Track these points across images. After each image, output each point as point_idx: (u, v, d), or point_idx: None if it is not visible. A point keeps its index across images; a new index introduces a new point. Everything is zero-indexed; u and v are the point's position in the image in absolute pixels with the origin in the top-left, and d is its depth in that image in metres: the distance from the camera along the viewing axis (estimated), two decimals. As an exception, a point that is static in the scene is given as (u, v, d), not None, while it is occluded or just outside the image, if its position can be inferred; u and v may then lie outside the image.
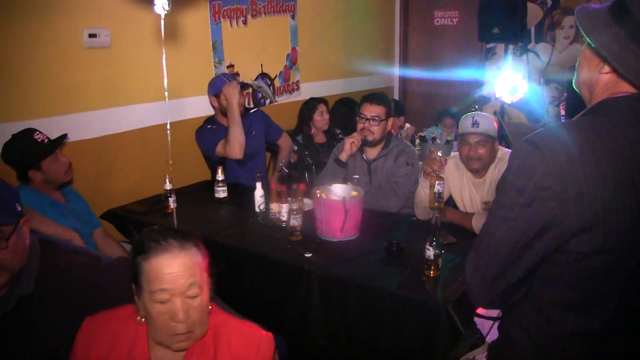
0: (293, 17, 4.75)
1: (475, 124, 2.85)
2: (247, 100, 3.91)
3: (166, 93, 2.48)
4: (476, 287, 1.37)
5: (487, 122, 2.87)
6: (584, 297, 1.33)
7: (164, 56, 2.57)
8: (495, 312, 3.55)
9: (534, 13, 5.58)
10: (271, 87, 4.42)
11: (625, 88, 1.32)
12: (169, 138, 3.10)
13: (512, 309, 1.47)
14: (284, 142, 4.16)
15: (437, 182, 2.79)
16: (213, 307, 1.53)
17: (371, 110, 3.28)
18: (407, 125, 5.05)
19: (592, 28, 1.27)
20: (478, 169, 2.92)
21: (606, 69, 1.33)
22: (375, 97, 3.34)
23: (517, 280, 1.34)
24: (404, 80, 6.70)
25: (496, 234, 1.31)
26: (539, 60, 5.74)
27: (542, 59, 5.73)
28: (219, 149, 3.60)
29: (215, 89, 3.67)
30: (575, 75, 1.48)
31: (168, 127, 3.09)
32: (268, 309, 2.64)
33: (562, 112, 4.76)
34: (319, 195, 2.75)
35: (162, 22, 2.04)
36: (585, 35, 1.29)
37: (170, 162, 3.10)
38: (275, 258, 2.60)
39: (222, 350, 1.45)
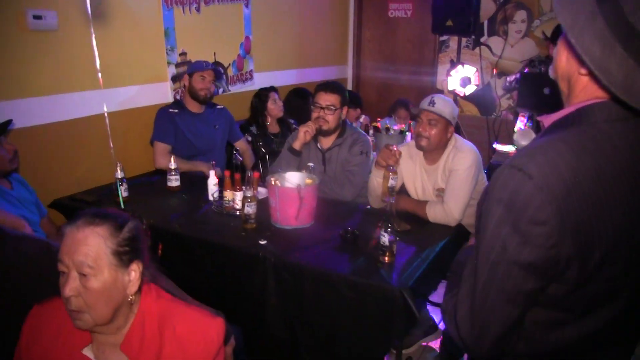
0: (247, 5, 4.69)
1: (432, 102, 2.87)
2: (213, 86, 3.89)
3: (100, 78, 2.39)
4: (476, 344, 1.19)
5: (444, 103, 2.89)
6: (576, 315, 1.22)
7: (93, 40, 2.48)
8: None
9: (487, 7, 5.66)
10: (224, 76, 4.36)
11: (604, 92, 1.16)
12: (108, 127, 3.00)
13: None
14: (243, 146, 4.19)
15: (391, 176, 2.82)
16: (160, 293, 1.49)
17: (326, 99, 3.26)
18: (363, 116, 5.07)
19: (572, 23, 1.07)
20: (424, 148, 2.93)
21: (585, 71, 1.16)
22: (330, 85, 3.32)
23: (516, 323, 1.19)
24: (357, 72, 6.72)
25: (493, 281, 1.14)
26: (491, 54, 5.83)
27: (494, 52, 5.82)
28: (158, 149, 3.68)
29: (191, 69, 3.79)
30: (553, 64, 1.30)
31: (106, 114, 2.99)
32: (224, 297, 2.61)
33: (513, 103, 4.87)
34: (273, 183, 2.73)
35: (102, 6, 1.97)
36: (565, 32, 1.08)
37: (112, 147, 3.01)
38: (230, 246, 2.56)
39: (168, 336, 1.41)
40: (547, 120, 1.28)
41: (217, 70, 3.88)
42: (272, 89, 4.34)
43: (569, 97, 1.24)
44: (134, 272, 1.41)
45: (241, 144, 4.18)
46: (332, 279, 2.29)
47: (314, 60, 5.94)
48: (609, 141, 1.13)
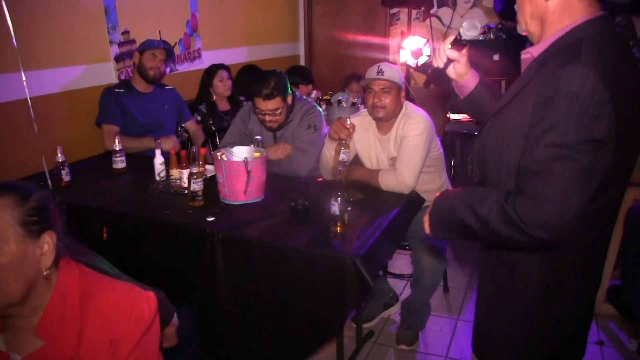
0: (191, -19, 4.55)
1: (380, 72, 2.82)
2: (164, 66, 3.77)
3: (20, 62, 2.24)
4: (560, 222, 1.22)
5: (392, 70, 2.85)
6: (603, 213, 1.41)
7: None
8: (409, 270, 3.60)
9: (435, -22, 5.66)
10: (168, 51, 4.22)
11: (583, 6, 1.33)
12: (31, 111, 2.83)
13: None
14: (193, 127, 4.08)
15: (343, 150, 2.76)
16: (82, 268, 1.39)
17: (267, 106, 3.05)
18: (314, 91, 4.99)
19: None
20: (382, 118, 2.88)
21: None
22: (266, 93, 3.01)
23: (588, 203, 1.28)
24: (310, 48, 6.63)
25: (572, 162, 1.21)
26: (441, 25, 5.82)
27: (444, 23, 5.81)
28: (105, 131, 3.57)
29: (142, 46, 3.69)
30: (518, 15, 1.46)
31: (28, 99, 2.82)
32: (173, 278, 2.52)
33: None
34: (219, 157, 2.64)
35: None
36: None
37: (36, 130, 2.85)
38: (177, 225, 2.47)
39: (91, 313, 1.32)
40: (535, 50, 1.41)
41: (169, 50, 3.78)
42: (222, 66, 4.24)
43: (543, 32, 1.40)
44: (47, 244, 1.30)
45: (191, 125, 4.06)
46: (283, 252, 2.24)
47: (264, 37, 5.82)
48: (627, 47, 1.36)
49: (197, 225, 2.42)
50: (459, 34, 1.63)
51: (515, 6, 1.46)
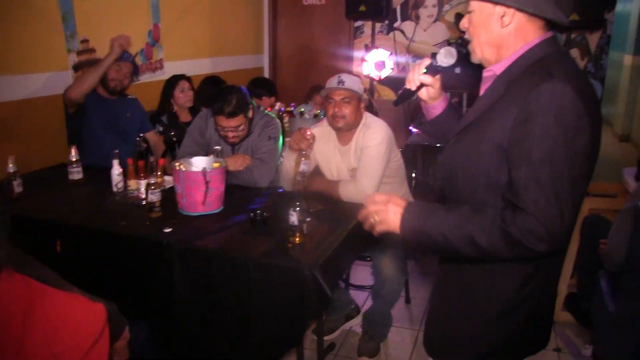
0: (153, -9, 4.51)
1: (341, 82, 2.83)
2: (128, 80, 3.71)
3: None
4: (557, 229, 1.28)
5: (352, 80, 2.86)
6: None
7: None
8: (371, 281, 3.59)
9: (399, -8, 5.73)
10: (135, 65, 4.16)
11: (535, 29, 1.42)
12: None
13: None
14: (155, 138, 4.02)
15: (303, 161, 2.75)
16: (26, 280, 1.34)
17: (230, 124, 3.01)
18: (278, 103, 4.99)
19: None
20: (342, 128, 2.89)
21: (507, 19, 1.40)
22: (229, 111, 2.96)
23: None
24: (274, 60, 6.63)
25: (563, 172, 1.27)
26: (405, 38, 5.87)
27: (408, 37, 5.87)
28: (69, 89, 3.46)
29: None
30: (472, 44, 1.50)
31: None
32: (129, 291, 2.45)
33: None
34: (177, 168, 2.60)
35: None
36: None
37: None
38: (133, 236, 2.42)
39: (35, 327, 1.26)
40: (497, 68, 1.47)
41: (135, 65, 3.73)
42: (183, 77, 4.20)
43: (499, 56, 1.46)
44: None
45: (152, 136, 4.00)
46: (240, 263, 2.20)
47: (229, 49, 5.80)
48: (575, 62, 1.44)
49: (154, 237, 2.37)
50: (435, 59, 1.63)
51: (467, 36, 1.51)
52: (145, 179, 2.71)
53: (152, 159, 2.58)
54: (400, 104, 1.78)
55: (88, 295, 1.44)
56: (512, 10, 1.40)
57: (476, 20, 1.46)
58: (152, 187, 2.53)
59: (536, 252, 1.28)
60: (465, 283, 1.59)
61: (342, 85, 2.82)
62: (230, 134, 3.05)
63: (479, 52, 1.49)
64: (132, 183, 2.77)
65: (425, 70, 1.66)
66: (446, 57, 1.62)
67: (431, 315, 1.81)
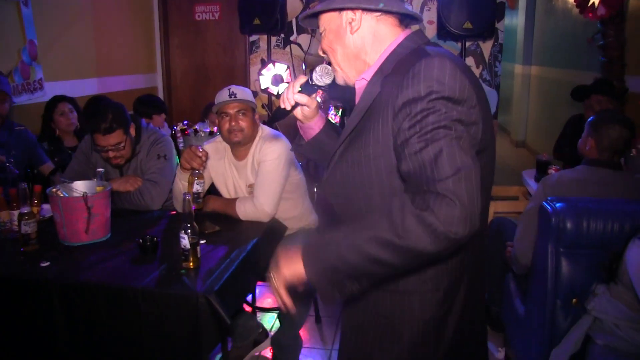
0: (26, 4, 4.16)
1: (232, 94, 2.69)
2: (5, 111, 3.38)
3: None
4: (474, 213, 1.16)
5: (244, 92, 2.74)
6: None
7: None
8: (275, 304, 3.44)
9: (294, 5, 5.68)
10: (9, 84, 3.81)
11: (389, 28, 1.40)
12: None
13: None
14: (49, 170, 3.68)
15: (196, 180, 2.56)
16: None
17: (108, 141, 2.77)
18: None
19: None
20: (240, 142, 2.74)
21: (356, 24, 1.38)
22: (105, 127, 2.72)
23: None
24: (168, 79, 6.38)
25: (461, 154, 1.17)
26: (302, 51, 5.83)
27: (304, 50, 5.83)
28: None
29: None
30: (332, 65, 1.47)
31: None
32: (4, 335, 2.17)
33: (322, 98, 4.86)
34: (54, 194, 2.35)
35: None
36: (325, 9, 1.40)
37: None
38: (5, 275, 2.14)
39: None
40: (367, 75, 1.41)
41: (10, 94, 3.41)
42: (63, 98, 3.91)
43: (363, 65, 1.43)
44: None
45: (47, 169, 3.66)
46: (129, 296, 1.99)
47: (117, 68, 5.51)
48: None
49: (29, 273, 2.11)
50: (311, 78, 1.53)
51: (326, 58, 1.48)
52: (17, 209, 2.43)
53: (22, 185, 2.31)
54: (273, 123, 1.66)
55: None
56: (358, 14, 1.38)
57: (328, 37, 1.44)
58: (26, 218, 2.26)
59: (453, 235, 1.12)
60: (376, 312, 1.46)
61: (235, 97, 2.68)
62: (111, 154, 2.81)
63: (340, 70, 1.46)
64: (3, 215, 2.48)
65: (300, 89, 1.55)
66: (322, 77, 1.51)
67: (346, 348, 1.63)
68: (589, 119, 2.74)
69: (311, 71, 1.53)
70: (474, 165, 1.17)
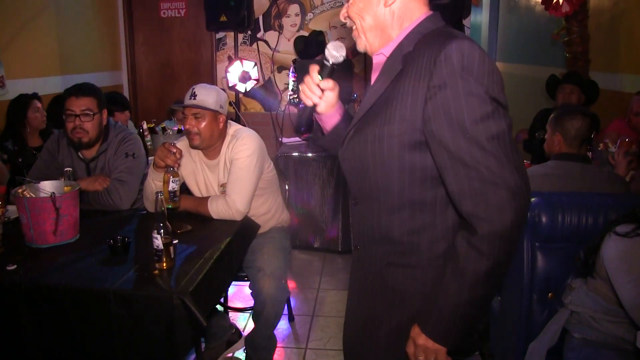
0: (-17, 0, 4.05)
1: (193, 95, 2.62)
2: None
3: None
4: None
5: (206, 92, 2.65)
6: None
7: None
8: (250, 302, 3.41)
9: (260, 2, 5.68)
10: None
11: (419, 5, 1.39)
12: None
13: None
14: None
15: (171, 178, 2.50)
16: None
17: (80, 105, 2.76)
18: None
19: None
20: (198, 145, 2.69)
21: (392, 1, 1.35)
22: (81, 88, 2.81)
23: None
24: (133, 77, 6.26)
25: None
26: (269, 48, 5.79)
27: (272, 47, 5.79)
28: None
29: None
30: (355, 31, 1.44)
31: None
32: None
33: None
34: (21, 195, 2.28)
35: None
36: None
37: None
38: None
39: None
40: (386, 50, 1.41)
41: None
42: (35, 96, 3.82)
43: (387, 38, 1.40)
44: None
45: None
46: (100, 298, 1.94)
47: (81, 66, 5.37)
48: None
49: (-5, 278, 2.04)
50: (326, 59, 1.49)
51: (348, 24, 1.45)
52: (-19, 211, 2.36)
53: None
54: (302, 130, 1.61)
55: None
56: None
57: (358, 5, 1.40)
58: (-11, 220, 2.19)
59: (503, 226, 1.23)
60: (387, 284, 1.47)
61: (194, 99, 2.62)
62: (78, 122, 2.76)
63: (364, 38, 1.43)
64: (-35, 218, 2.40)
65: (321, 77, 1.52)
66: (337, 51, 1.49)
67: (351, 318, 1.65)
68: (550, 117, 2.75)
69: (323, 53, 1.50)
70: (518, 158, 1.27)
